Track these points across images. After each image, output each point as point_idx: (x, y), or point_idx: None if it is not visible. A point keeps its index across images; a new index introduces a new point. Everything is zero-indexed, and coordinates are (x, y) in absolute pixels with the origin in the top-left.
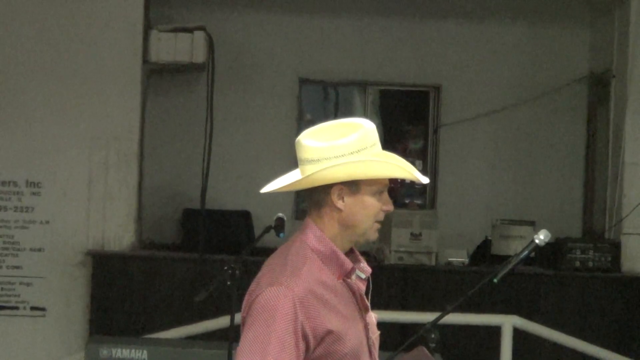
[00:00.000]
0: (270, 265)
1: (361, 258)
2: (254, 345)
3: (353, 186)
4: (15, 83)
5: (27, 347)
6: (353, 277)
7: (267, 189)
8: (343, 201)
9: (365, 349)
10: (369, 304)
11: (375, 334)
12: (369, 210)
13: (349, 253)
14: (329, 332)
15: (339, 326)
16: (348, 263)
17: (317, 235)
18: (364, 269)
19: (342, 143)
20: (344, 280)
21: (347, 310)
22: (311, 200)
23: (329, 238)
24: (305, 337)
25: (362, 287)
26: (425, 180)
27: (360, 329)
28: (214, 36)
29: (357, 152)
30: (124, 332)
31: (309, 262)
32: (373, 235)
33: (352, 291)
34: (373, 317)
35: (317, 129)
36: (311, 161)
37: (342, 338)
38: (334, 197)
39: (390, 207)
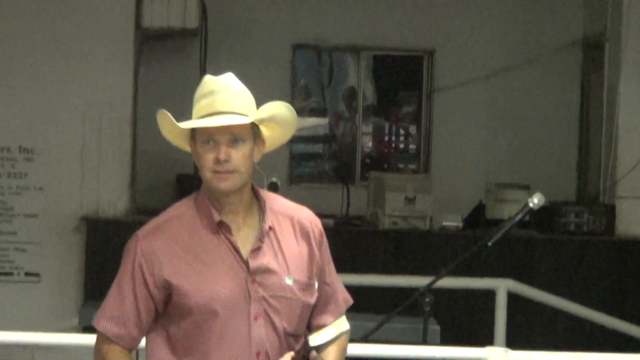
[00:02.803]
0: None
1: (266, 219)
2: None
3: (193, 138)
4: (8, 50)
5: (21, 313)
6: (238, 232)
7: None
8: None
9: (241, 307)
10: (264, 263)
11: (275, 292)
12: (199, 160)
13: (248, 210)
14: (169, 284)
15: (183, 280)
16: (215, 216)
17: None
18: (247, 231)
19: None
20: (221, 233)
21: (215, 264)
22: None
23: (205, 188)
24: (145, 284)
25: (252, 243)
26: (213, 123)
27: (231, 286)
28: (207, 1)
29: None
30: None
31: (184, 207)
32: (217, 185)
33: (233, 246)
34: (285, 277)
35: None
36: None
37: (186, 293)
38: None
39: (214, 155)
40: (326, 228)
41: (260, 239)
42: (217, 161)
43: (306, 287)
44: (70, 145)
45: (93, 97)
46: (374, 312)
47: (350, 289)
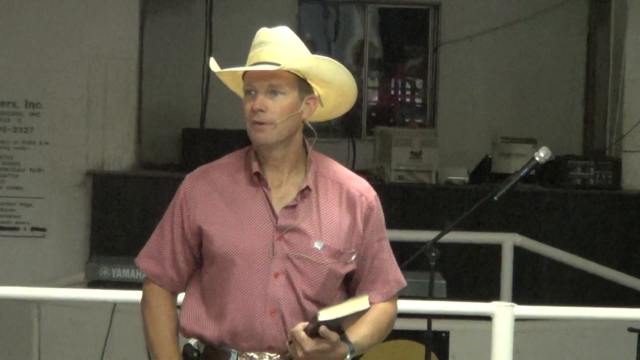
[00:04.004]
0: None
1: (307, 179)
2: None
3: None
4: (12, 3)
5: (27, 268)
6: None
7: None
8: None
9: (262, 261)
10: (295, 222)
11: (301, 253)
12: (244, 111)
13: (294, 167)
14: (200, 228)
15: (211, 225)
16: (255, 167)
17: None
18: (286, 188)
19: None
20: (260, 185)
21: (246, 214)
22: None
23: None
24: (182, 226)
25: (289, 200)
26: (267, 68)
27: (256, 238)
28: None
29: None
30: (124, 252)
31: (227, 160)
32: (254, 136)
33: (267, 199)
34: (315, 240)
35: None
36: None
37: (212, 238)
38: None
39: (251, 104)
40: None
41: (296, 197)
42: (253, 111)
43: (338, 255)
44: (75, 100)
45: (99, 51)
46: None
47: None
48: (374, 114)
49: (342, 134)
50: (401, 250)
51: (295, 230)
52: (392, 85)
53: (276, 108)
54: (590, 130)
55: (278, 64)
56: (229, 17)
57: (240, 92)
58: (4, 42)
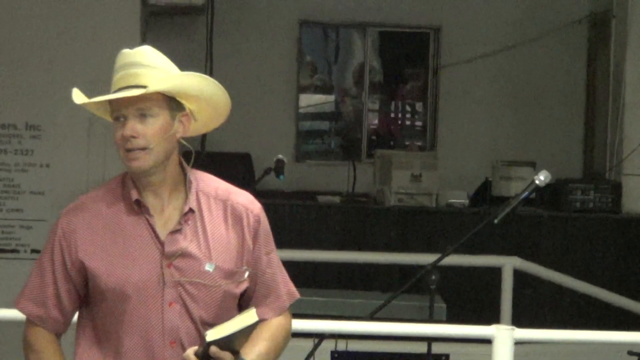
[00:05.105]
0: None
1: (188, 200)
2: None
3: None
4: (14, 25)
5: None
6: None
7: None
8: None
9: (154, 292)
10: (181, 245)
11: (193, 278)
12: (114, 139)
13: (174, 190)
14: (83, 264)
15: (96, 261)
16: (134, 195)
17: None
18: (168, 211)
19: None
20: (141, 213)
21: (130, 245)
22: None
23: None
24: (63, 264)
25: (173, 225)
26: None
27: (145, 268)
28: None
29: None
30: None
31: (103, 190)
32: (128, 166)
33: (151, 227)
34: (205, 263)
35: None
36: None
37: (98, 274)
38: None
39: (121, 132)
40: (331, 205)
41: (180, 221)
42: (124, 138)
43: (230, 275)
44: (76, 122)
45: (99, 73)
46: (380, 290)
47: (356, 266)
48: (374, 137)
49: (342, 157)
50: (401, 273)
51: (183, 255)
52: (393, 108)
53: (148, 132)
54: (590, 153)
55: (144, 86)
56: (230, 41)
57: (109, 117)
58: (4, 64)
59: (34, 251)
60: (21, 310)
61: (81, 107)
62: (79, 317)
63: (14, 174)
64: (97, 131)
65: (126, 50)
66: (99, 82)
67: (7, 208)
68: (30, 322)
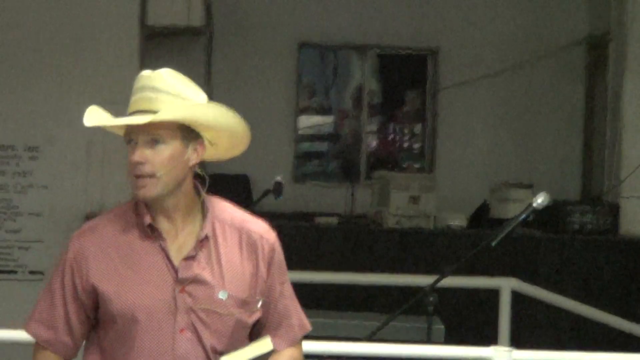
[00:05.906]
0: None
1: (204, 227)
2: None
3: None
4: (13, 48)
5: (24, 311)
6: (170, 239)
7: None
8: None
9: (166, 318)
10: (195, 272)
11: (205, 305)
12: (128, 164)
13: (188, 215)
14: (94, 288)
15: (108, 284)
16: (146, 219)
17: None
18: (184, 238)
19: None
20: (154, 237)
21: (143, 270)
22: None
23: None
24: (73, 287)
25: (187, 250)
26: (136, 120)
27: (157, 294)
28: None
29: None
30: None
31: (115, 213)
32: (135, 192)
33: (164, 252)
34: (219, 290)
35: None
36: None
37: (109, 298)
38: None
39: (130, 157)
40: (330, 226)
41: (195, 247)
42: (132, 164)
43: (243, 304)
44: (75, 143)
45: (98, 95)
46: (378, 311)
47: (355, 288)
48: (372, 159)
49: (341, 179)
50: (399, 294)
51: (196, 281)
52: (391, 130)
53: (157, 159)
54: (589, 175)
55: (155, 111)
56: (229, 62)
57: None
58: (4, 86)
59: (31, 272)
60: (30, 333)
61: (80, 128)
62: (86, 341)
63: (12, 195)
64: (96, 153)
65: (145, 73)
66: (100, 102)
67: (6, 229)
68: (38, 345)
